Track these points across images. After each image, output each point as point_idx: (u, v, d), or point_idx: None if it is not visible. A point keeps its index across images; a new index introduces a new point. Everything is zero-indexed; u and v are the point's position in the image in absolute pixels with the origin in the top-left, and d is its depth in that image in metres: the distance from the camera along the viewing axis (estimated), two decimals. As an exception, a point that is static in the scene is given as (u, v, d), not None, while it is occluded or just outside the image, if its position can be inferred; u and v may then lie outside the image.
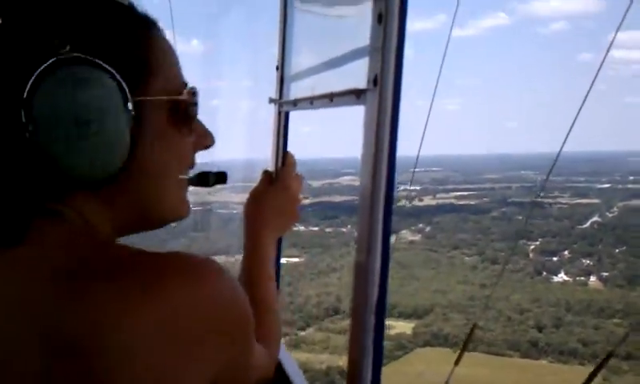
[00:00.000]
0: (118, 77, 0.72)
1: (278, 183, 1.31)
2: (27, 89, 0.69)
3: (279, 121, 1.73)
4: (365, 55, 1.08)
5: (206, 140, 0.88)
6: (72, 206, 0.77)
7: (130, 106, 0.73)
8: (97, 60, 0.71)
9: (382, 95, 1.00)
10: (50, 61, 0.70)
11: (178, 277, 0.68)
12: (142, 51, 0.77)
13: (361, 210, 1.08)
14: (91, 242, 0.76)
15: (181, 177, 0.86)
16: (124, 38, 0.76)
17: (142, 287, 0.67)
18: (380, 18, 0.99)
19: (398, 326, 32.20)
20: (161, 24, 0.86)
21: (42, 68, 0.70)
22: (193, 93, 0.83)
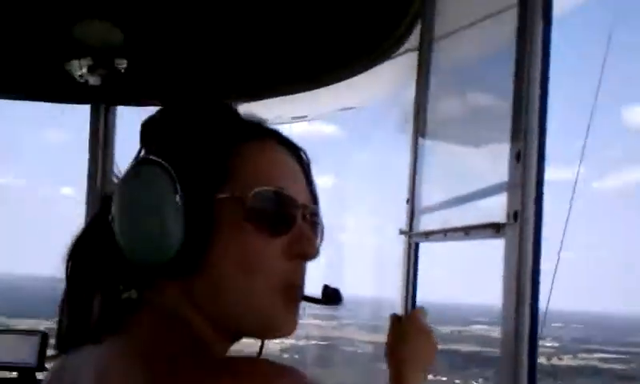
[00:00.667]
0: (172, 173, 0.78)
1: (407, 322, 1.33)
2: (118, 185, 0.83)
3: (409, 252, 1.76)
4: (501, 191, 1.10)
5: (301, 246, 0.83)
6: (161, 294, 0.82)
7: (177, 199, 0.77)
8: (160, 160, 0.79)
9: (523, 230, 1.00)
10: (132, 162, 0.82)
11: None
12: (219, 160, 0.82)
13: (502, 358, 1.06)
14: (176, 338, 0.78)
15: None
16: (201, 145, 0.82)
17: None
18: (519, 156, 1.02)
19: None
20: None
21: (128, 167, 0.82)
22: (263, 195, 0.81)
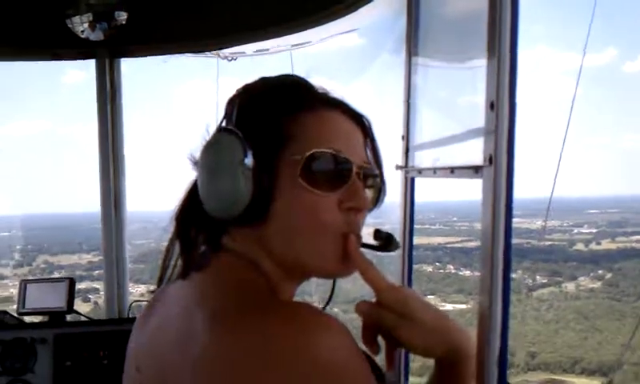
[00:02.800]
0: (242, 139, 0.93)
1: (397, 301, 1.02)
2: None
3: (406, 186, 1.89)
4: (481, 135, 1.22)
5: (352, 200, 0.96)
6: (235, 239, 0.98)
7: (246, 161, 0.91)
8: (232, 128, 0.95)
9: (497, 172, 1.13)
10: (215, 131, 0.99)
11: (294, 324, 0.77)
12: (281, 127, 0.96)
13: (481, 276, 1.20)
14: (245, 277, 0.94)
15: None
16: (267, 115, 0.97)
17: (256, 329, 0.77)
18: (492, 106, 1.13)
19: (580, 384, 28.57)
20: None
21: (211, 135, 0.99)
22: (315, 156, 0.94)
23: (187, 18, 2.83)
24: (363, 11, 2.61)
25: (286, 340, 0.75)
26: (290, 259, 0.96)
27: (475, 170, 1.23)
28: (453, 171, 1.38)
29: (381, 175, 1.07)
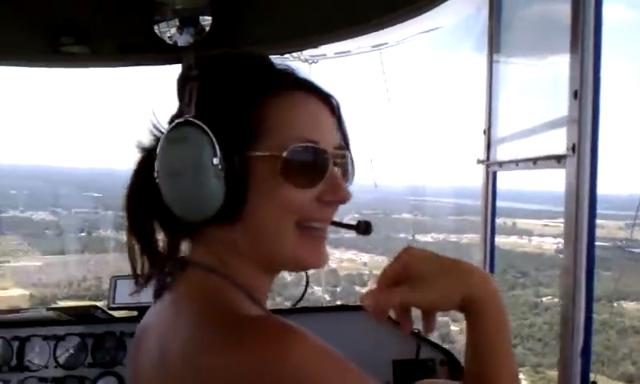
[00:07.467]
0: (211, 136, 0.83)
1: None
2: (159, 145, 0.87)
3: (487, 180, 1.88)
4: (564, 125, 1.21)
5: (333, 193, 0.89)
6: (201, 243, 0.90)
7: (216, 161, 0.82)
8: (198, 122, 0.83)
9: (580, 161, 1.12)
10: (173, 124, 0.87)
11: (258, 342, 0.74)
12: (251, 117, 0.85)
13: (564, 265, 1.20)
14: (213, 302, 0.85)
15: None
16: (235, 106, 0.86)
17: (227, 345, 0.75)
18: (576, 94, 1.13)
19: None
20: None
21: (168, 129, 0.87)
22: (298, 150, 0.86)
23: (270, 21, 2.90)
24: (445, 9, 2.60)
25: (257, 361, 0.72)
26: (265, 257, 0.90)
27: (557, 160, 1.23)
28: (535, 163, 1.38)
29: (350, 157, 0.97)
